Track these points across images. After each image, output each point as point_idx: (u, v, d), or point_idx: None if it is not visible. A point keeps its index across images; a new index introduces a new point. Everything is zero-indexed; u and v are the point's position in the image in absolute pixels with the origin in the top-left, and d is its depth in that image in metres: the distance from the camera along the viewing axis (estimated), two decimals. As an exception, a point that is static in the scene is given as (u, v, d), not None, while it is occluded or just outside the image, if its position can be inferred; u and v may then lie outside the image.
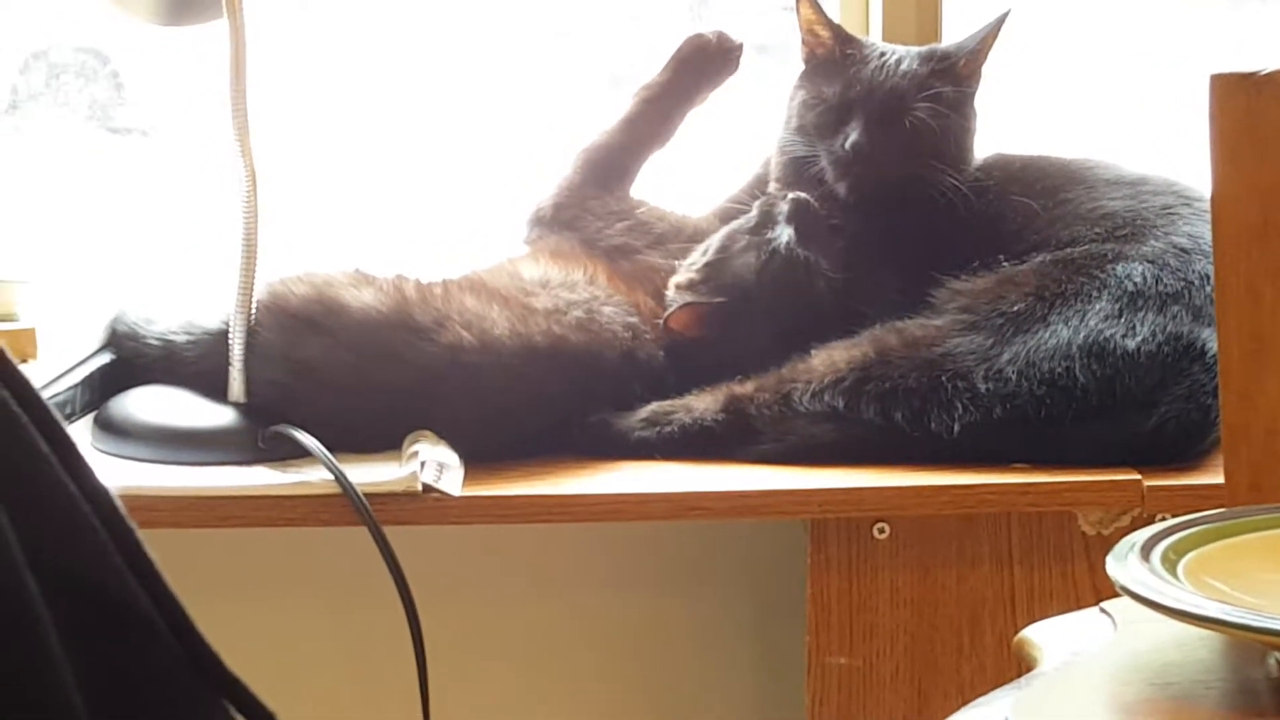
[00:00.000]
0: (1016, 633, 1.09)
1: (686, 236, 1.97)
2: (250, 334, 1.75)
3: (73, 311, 1.91)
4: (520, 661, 2.09)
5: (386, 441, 1.73)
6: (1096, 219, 1.84)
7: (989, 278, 1.81)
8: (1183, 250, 1.78)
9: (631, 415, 1.79)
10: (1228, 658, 0.98)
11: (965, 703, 0.99)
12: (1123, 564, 0.98)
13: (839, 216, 1.90)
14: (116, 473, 1.69)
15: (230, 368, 1.75)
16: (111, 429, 1.76)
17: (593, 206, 1.99)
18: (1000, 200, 1.89)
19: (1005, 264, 1.82)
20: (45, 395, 0.79)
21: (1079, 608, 1.11)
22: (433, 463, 1.67)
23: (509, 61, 2.27)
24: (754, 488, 1.70)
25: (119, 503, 0.75)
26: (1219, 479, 1.37)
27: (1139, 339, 1.71)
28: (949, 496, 1.68)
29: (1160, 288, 1.74)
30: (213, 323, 1.80)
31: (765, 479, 1.71)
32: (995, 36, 1.91)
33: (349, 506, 1.64)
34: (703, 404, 1.79)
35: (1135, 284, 1.74)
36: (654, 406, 1.80)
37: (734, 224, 1.92)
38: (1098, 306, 1.73)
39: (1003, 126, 2.06)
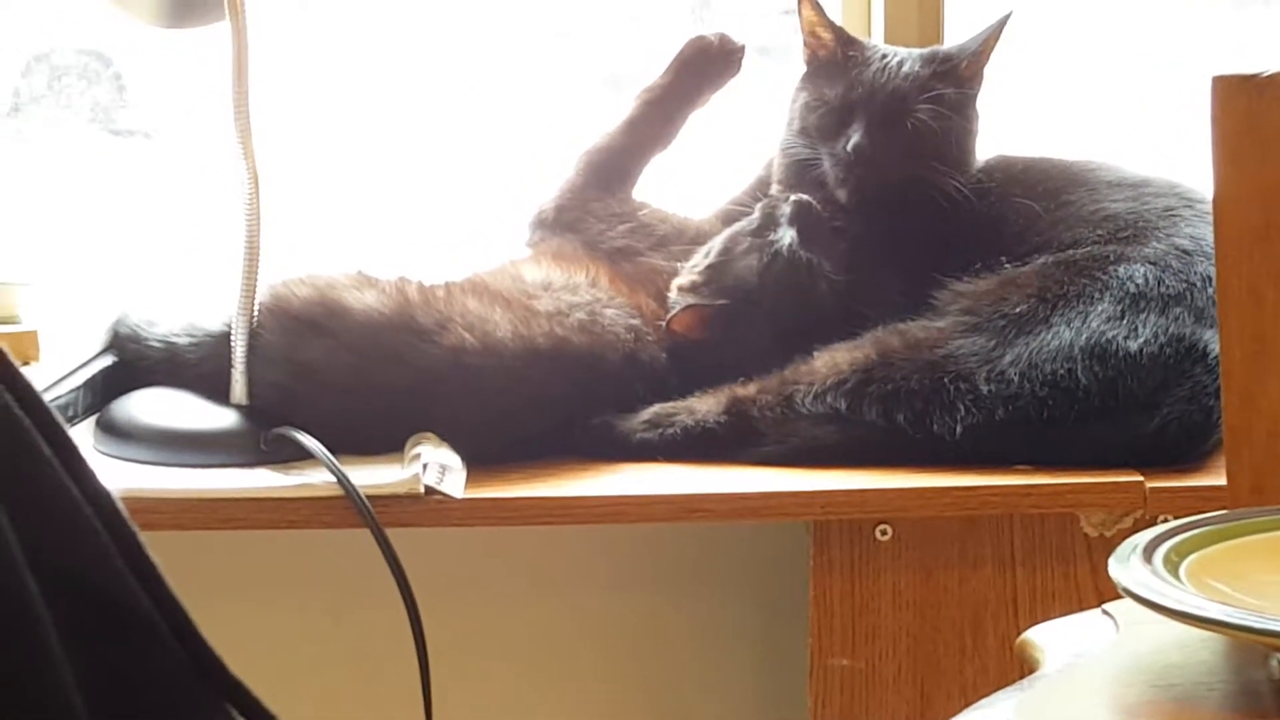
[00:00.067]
0: (1019, 634, 1.09)
1: (689, 239, 1.97)
2: (252, 336, 1.75)
3: (75, 314, 1.91)
4: (522, 663, 2.09)
5: (389, 443, 1.73)
6: (1099, 221, 1.84)
7: (991, 279, 1.81)
8: (1185, 252, 1.78)
9: (634, 417, 1.79)
10: (1230, 659, 0.98)
11: (967, 704, 0.99)
12: (1125, 566, 0.98)
13: (841, 218, 1.90)
14: (118, 475, 1.69)
15: (232, 370, 1.75)
16: (114, 431, 1.76)
17: (595, 209, 1.99)
18: (1002, 202, 1.89)
19: (1007, 266, 1.82)
20: (47, 398, 0.79)
21: (1081, 609, 1.11)
22: (435, 465, 1.67)
23: (509, 62, 2.27)
24: (756, 489, 1.70)
25: (120, 505, 0.75)
26: (1221, 480, 1.37)
27: (1141, 340, 1.71)
28: (951, 498, 1.68)
29: (1162, 289, 1.74)
30: (215, 325, 1.80)
31: (767, 481, 1.71)
32: (997, 38, 1.91)
33: (351, 508, 1.64)
34: (705, 406, 1.79)
35: (1137, 286, 1.74)
36: (656, 408, 1.80)
37: (736, 226, 1.92)
38: (1100, 308, 1.73)
39: (1005, 128, 2.06)
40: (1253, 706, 0.94)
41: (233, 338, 1.75)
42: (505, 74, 2.27)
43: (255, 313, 1.75)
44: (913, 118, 1.87)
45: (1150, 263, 1.77)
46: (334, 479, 1.65)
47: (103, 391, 1.84)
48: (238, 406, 1.76)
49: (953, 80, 1.90)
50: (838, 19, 2.04)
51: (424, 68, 2.27)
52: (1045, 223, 1.86)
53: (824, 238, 1.88)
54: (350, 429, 1.73)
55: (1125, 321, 1.72)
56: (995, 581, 1.72)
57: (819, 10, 1.93)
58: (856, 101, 1.88)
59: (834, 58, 1.92)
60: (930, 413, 1.71)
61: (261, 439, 1.73)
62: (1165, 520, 1.09)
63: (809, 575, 1.73)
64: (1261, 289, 1.33)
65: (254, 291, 1.75)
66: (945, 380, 1.71)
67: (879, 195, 1.88)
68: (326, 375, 1.74)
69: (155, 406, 1.78)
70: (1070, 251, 1.81)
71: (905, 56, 1.90)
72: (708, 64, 2.02)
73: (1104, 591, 1.31)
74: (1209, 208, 1.36)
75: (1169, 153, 2.14)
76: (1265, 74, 1.34)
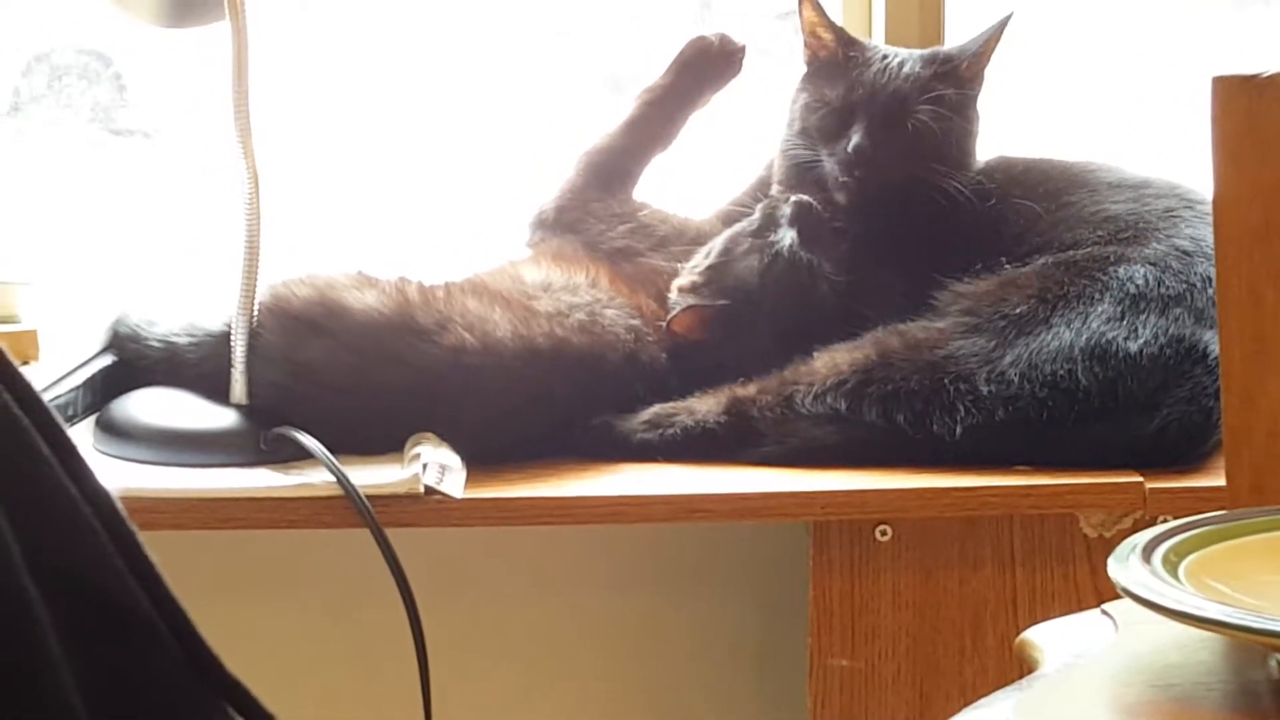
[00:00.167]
0: (1018, 634, 1.09)
1: (689, 239, 1.97)
2: (252, 336, 1.75)
3: (75, 313, 1.91)
4: (522, 664, 2.09)
5: (388, 443, 1.73)
6: (1099, 222, 1.84)
7: (991, 280, 1.81)
8: (1185, 253, 1.78)
9: (634, 417, 1.79)
10: (1229, 659, 0.98)
11: (967, 704, 0.99)
12: (1124, 566, 0.98)
13: (842, 219, 1.90)
14: (118, 474, 1.69)
15: (232, 369, 1.75)
16: (113, 431, 1.76)
17: (595, 209, 1.99)
18: (1003, 203, 1.89)
19: (1007, 266, 1.82)
20: (47, 397, 0.79)
21: (1081, 609, 1.11)
22: (435, 465, 1.67)
23: (509, 62, 2.27)
24: (756, 490, 1.70)
25: (119, 505, 0.75)
26: (1220, 481, 1.37)
27: (1141, 341, 1.71)
28: (951, 499, 1.68)
29: (1162, 290, 1.74)
30: (215, 324, 1.80)
31: (767, 481, 1.71)
32: (998, 39, 1.91)
33: (351, 508, 1.64)
34: (705, 406, 1.79)
35: (1137, 286, 1.74)
36: (656, 409, 1.80)
37: (736, 227, 1.92)
38: (1100, 309, 1.73)
39: (1005, 129, 2.06)
40: (1252, 706, 0.94)
41: (233, 337, 1.75)
42: (505, 74, 2.27)
43: (255, 312, 1.75)
44: (913, 119, 1.87)
45: (1150, 264, 1.77)
46: (334, 479, 1.65)
47: (102, 391, 1.84)
48: (237, 406, 1.76)
49: (953, 81, 1.90)
50: (838, 19, 2.04)
51: (424, 68, 2.27)
52: (1045, 223, 1.86)
53: (824, 238, 1.88)
54: (350, 429, 1.73)
55: (1125, 322, 1.72)
56: (995, 582, 1.72)
57: (820, 11, 1.93)
58: (857, 102, 1.88)
59: (835, 58, 1.92)
60: (930, 413, 1.71)
61: (261, 439, 1.73)
62: (1165, 520, 1.09)
63: (809, 575, 1.73)
64: (1261, 289, 1.33)
65: (254, 291, 1.75)
66: (945, 381, 1.71)
67: (879, 196, 1.88)
68: (326, 375, 1.74)
69: (155, 406, 1.78)
70: (1070, 252, 1.81)
71: (906, 57, 1.90)
72: (708, 64, 2.02)
73: (1103, 592, 1.31)
74: (1209, 208, 1.36)
75: (1169, 153, 2.14)
76: (1265, 74, 1.34)
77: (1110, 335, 1.71)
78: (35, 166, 2.24)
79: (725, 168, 2.14)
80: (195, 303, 1.86)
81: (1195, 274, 1.76)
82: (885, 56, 1.90)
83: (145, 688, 0.74)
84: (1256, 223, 1.34)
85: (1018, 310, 1.75)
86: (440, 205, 2.26)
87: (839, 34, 1.93)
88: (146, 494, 1.65)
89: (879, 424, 1.73)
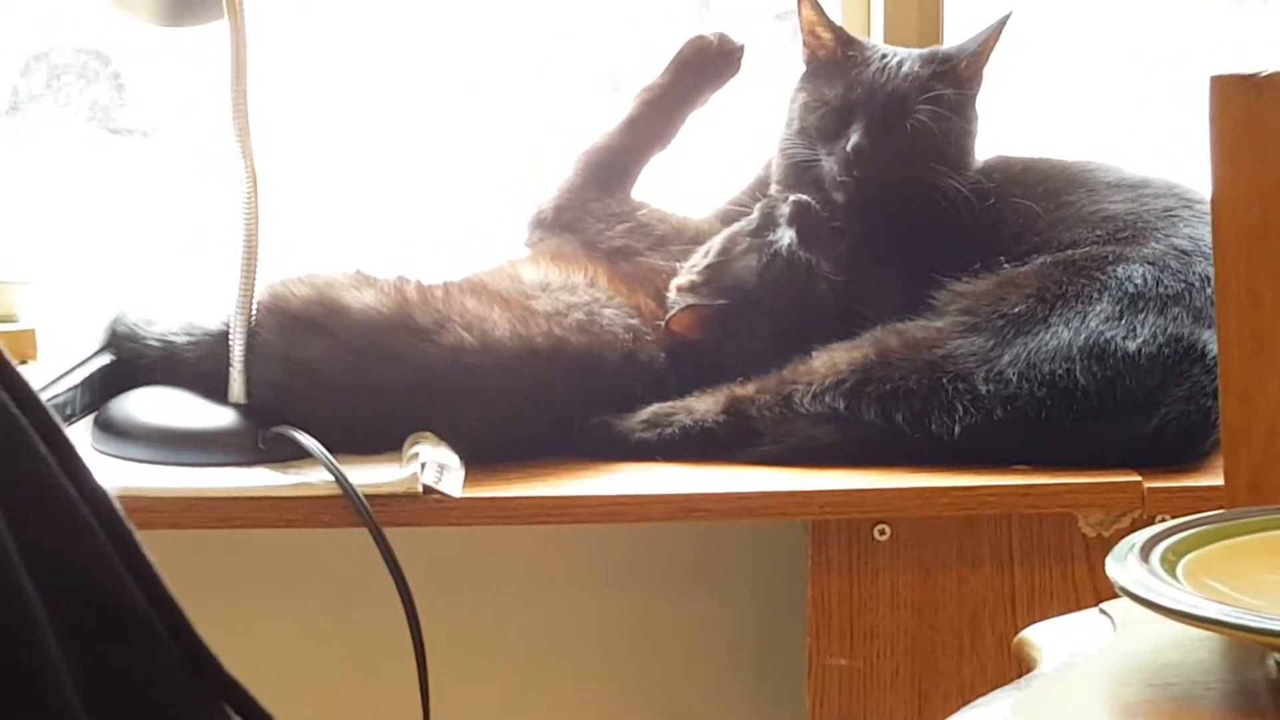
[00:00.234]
0: (1016, 634, 1.09)
1: (688, 238, 1.97)
2: (251, 335, 1.75)
3: (73, 312, 1.91)
4: (520, 663, 2.09)
5: (387, 443, 1.73)
6: (1097, 221, 1.84)
7: (990, 280, 1.81)
8: (1183, 252, 1.78)
9: (632, 417, 1.79)
10: (1227, 659, 0.98)
11: (965, 704, 0.99)
12: (1122, 565, 0.98)
13: (840, 218, 1.90)
14: (116, 474, 1.69)
15: (231, 369, 1.75)
16: (111, 430, 1.76)
17: (594, 208, 1.99)
18: (1001, 202, 1.89)
19: (1006, 266, 1.82)
20: (44, 397, 0.79)
21: (1079, 609, 1.11)
22: (433, 464, 1.67)
23: (509, 62, 2.27)
24: (755, 489, 1.70)
25: (117, 504, 0.75)
26: (1219, 480, 1.37)
27: (1139, 341, 1.71)
28: (949, 498, 1.68)
29: (1161, 289, 1.74)
30: (213, 324, 1.80)
31: (766, 480, 1.71)
32: (997, 38, 1.91)
33: (349, 508, 1.64)
34: (704, 405, 1.79)
35: (1136, 286, 1.74)
36: (655, 408, 1.80)
37: (735, 226, 1.92)
38: (1098, 308, 1.73)
39: (1004, 128, 2.06)
40: (1250, 705, 0.94)
41: (231, 336, 1.75)
42: (505, 74, 2.27)
43: (253, 311, 1.75)
44: (912, 118, 1.87)
45: (1149, 263, 1.77)
46: (332, 478, 1.65)
47: (100, 390, 1.84)
48: (236, 405, 1.76)
49: (952, 81, 1.90)
50: (837, 19, 2.04)
51: (424, 68, 2.27)
52: (1044, 223, 1.86)
53: (823, 238, 1.88)
54: (348, 428, 1.73)
55: (1124, 322, 1.72)
56: (993, 581, 1.72)
57: (819, 10, 1.93)
58: (856, 102, 1.88)
59: (833, 58, 1.92)
60: (929, 413, 1.71)
61: (259, 438, 1.73)
62: (1163, 520, 1.09)
63: (807, 575, 1.73)
64: (1260, 289, 1.33)
65: (252, 290, 1.75)
66: (944, 380, 1.71)
67: (878, 195, 1.88)
68: (325, 374, 1.74)
69: (153, 405, 1.78)
70: (1069, 252, 1.81)
71: (905, 57, 1.90)
72: (707, 64, 2.02)
73: (1101, 591, 1.31)
74: (1207, 208, 1.36)
75: (1168, 153, 2.14)
76: (1264, 74, 1.34)
77: (1109, 335, 1.71)
78: (34, 166, 2.24)
79: (724, 167, 2.14)
80: (193, 302, 1.86)
81: (1194, 273, 1.76)
82: (884, 56, 1.90)
83: (144, 687, 0.74)
84: (1255, 222, 1.34)
85: (1016, 310, 1.75)
86: (440, 205, 2.26)
87: (838, 33, 1.93)
88: (145, 493, 1.65)
89: (877, 423, 1.73)
